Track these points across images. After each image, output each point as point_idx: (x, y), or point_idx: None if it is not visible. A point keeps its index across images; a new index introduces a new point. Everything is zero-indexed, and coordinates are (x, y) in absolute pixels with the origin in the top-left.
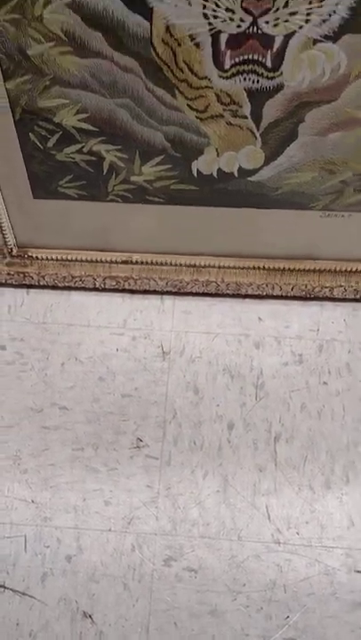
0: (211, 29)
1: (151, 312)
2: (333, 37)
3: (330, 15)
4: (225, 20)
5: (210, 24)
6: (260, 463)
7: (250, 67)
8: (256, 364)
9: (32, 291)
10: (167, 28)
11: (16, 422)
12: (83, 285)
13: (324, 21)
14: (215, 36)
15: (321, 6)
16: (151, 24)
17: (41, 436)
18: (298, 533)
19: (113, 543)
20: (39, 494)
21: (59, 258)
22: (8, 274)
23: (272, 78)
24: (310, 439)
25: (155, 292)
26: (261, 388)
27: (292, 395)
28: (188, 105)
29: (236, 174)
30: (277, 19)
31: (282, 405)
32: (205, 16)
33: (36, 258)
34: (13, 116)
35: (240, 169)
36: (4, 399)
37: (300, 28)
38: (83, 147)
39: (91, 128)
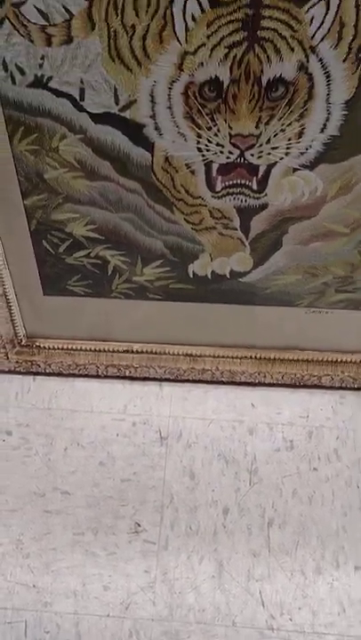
0: (204, 160)
1: (150, 398)
2: (310, 166)
3: (307, 149)
4: (216, 153)
5: (203, 155)
6: (254, 548)
7: (238, 189)
8: (250, 450)
9: (38, 378)
10: (166, 159)
11: (20, 506)
12: (86, 373)
13: (302, 154)
14: (208, 165)
15: (299, 142)
16: (152, 155)
17: (43, 520)
18: (291, 619)
19: (111, 629)
20: (40, 579)
21: (64, 347)
22: (17, 362)
23: (258, 198)
24: (302, 524)
25: (154, 379)
26: (255, 474)
27: (284, 480)
28: (184, 219)
29: (228, 276)
30: (261, 152)
31: (274, 491)
32: (199, 149)
33: (44, 347)
34: (29, 227)
35: (232, 271)
36: (9, 483)
37: (281, 159)
38: (90, 252)
39: (98, 237)
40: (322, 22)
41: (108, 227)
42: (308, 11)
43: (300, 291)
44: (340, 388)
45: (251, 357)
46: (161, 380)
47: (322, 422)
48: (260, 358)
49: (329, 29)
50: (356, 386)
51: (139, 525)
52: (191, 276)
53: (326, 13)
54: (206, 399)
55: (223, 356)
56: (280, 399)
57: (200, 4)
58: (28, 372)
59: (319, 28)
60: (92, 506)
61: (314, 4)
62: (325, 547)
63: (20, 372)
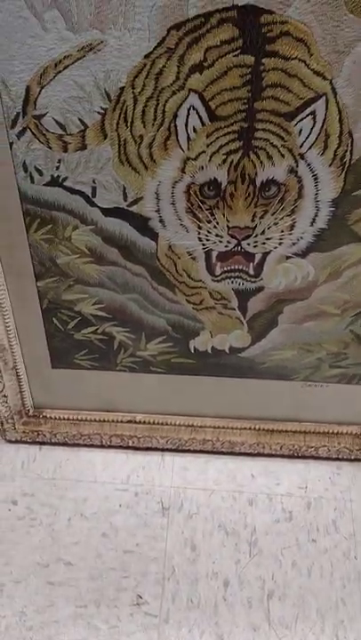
0: (204, 248)
1: (152, 468)
2: (302, 254)
3: (298, 240)
4: (215, 242)
5: (203, 245)
6: (254, 622)
7: (236, 274)
8: (250, 521)
9: (44, 447)
10: (169, 247)
11: (23, 578)
12: (91, 443)
13: (294, 244)
14: (208, 252)
15: (291, 234)
16: (157, 244)
17: (46, 591)
18: None
19: None
20: None
21: (70, 417)
22: (24, 432)
23: (254, 282)
24: (301, 597)
25: (156, 450)
26: (255, 545)
27: (283, 552)
28: (186, 299)
29: (227, 351)
30: (257, 242)
31: (274, 562)
32: (200, 239)
33: (50, 418)
34: (41, 306)
35: (231, 347)
36: (14, 554)
37: (275, 248)
38: (97, 329)
39: (105, 315)
40: (309, 133)
41: (115, 306)
42: (296, 124)
43: (296, 365)
44: (337, 459)
45: (250, 428)
46: (163, 450)
47: (320, 493)
48: (260, 429)
49: (316, 139)
50: (352, 457)
51: (140, 598)
52: (192, 351)
53: (313, 126)
54: (207, 469)
55: (223, 427)
56: (279, 470)
57: (200, 118)
58: (34, 442)
59: (307, 138)
60: (95, 578)
61: (302, 119)
62: (325, 620)
63: (26, 442)
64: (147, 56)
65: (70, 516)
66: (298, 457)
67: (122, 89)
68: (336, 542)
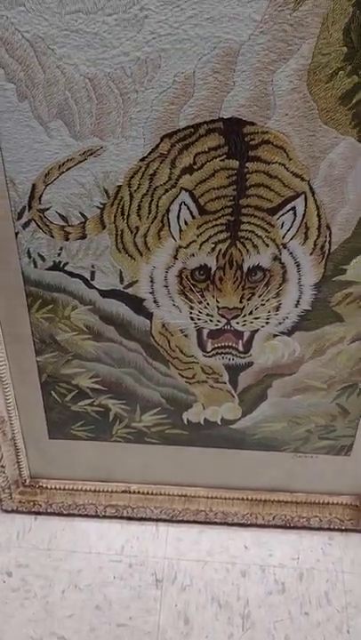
0: (196, 326)
1: (146, 539)
2: (288, 333)
3: (284, 319)
4: (206, 321)
5: (195, 323)
6: None
7: (226, 350)
8: (243, 593)
9: (40, 517)
10: (163, 325)
11: None
12: (86, 513)
13: (280, 323)
14: (199, 330)
15: (277, 314)
16: (151, 322)
17: None
18: None
19: None
20: None
21: (65, 487)
22: (20, 502)
23: (244, 358)
24: None
25: (150, 520)
26: (248, 618)
27: (276, 625)
28: (179, 374)
29: (219, 423)
30: (245, 321)
31: (267, 636)
32: (192, 318)
33: (46, 487)
34: (40, 379)
35: (222, 419)
36: (8, 628)
37: (263, 327)
38: (94, 401)
39: (101, 388)
40: (290, 226)
41: (111, 379)
42: (279, 218)
43: (287, 437)
44: (329, 529)
45: (243, 499)
46: (157, 520)
47: (312, 564)
48: (252, 500)
49: (297, 231)
50: (343, 527)
51: None
52: (185, 422)
53: (294, 220)
54: (200, 540)
55: (217, 497)
56: (272, 540)
57: (191, 213)
58: (30, 512)
59: (289, 230)
60: None
61: (283, 214)
62: None
63: (22, 512)
64: (142, 159)
65: (64, 587)
66: (290, 527)
67: (119, 187)
68: (329, 615)
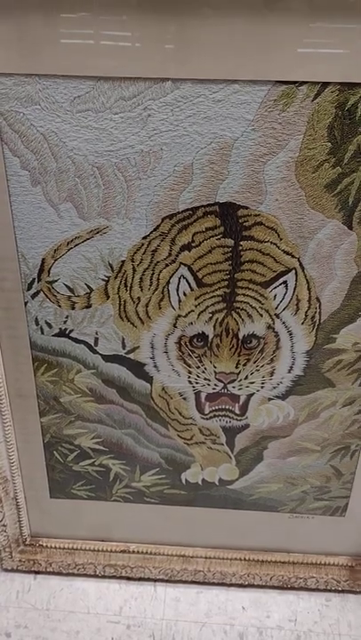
0: (194, 390)
1: (145, 599)
2: (282, 397)
3: (278, 384)
4: (204, 385)
5: (193, 387)
6: None
7: (223, 413)
8: None
9: (39, 576)
10: (163, 388)
11: None
12: (85, 572)
13: (274, 387)
14: (197, 393)
15: (271, 379)
16: (151, 385)
17: None
18: None
19: None
20: None
21: (65, 546)
22: (20, 561)
23: (240, 420)
24: None
25: (149, 580)
26: None
27: None
28: (178, 435)
29: (217, 483)
30: (241, 385)
31: None
32: (190, 382)
33: (46, 546)
34: (43, 440)
35: (220, 479)
36: None
37: (258, 391)
38: (95, 461)
39: (102, 448)
40: (283, 298)
41: (112, 440)
42: (271, 290)
43: (283, 498)
44: (326, 590)
45: (241, 559)
46: (156, 580)
47: (309, 626)
48: (250, 560)
49: (288, 303)
50: (340, 588)
51: None
52: (184, 482)
53: (286, 292)
54: (198, 601)
55: (215, 558)
56: (269, 601)
57: (189, 285)
58: (29, 571)
59: (281, 302)
60: None
61: (276, 287)
62: None
63: (22, 571)
64: (144, 237)
65: None
66: (287, 588)
67: (123, 262)
68: None
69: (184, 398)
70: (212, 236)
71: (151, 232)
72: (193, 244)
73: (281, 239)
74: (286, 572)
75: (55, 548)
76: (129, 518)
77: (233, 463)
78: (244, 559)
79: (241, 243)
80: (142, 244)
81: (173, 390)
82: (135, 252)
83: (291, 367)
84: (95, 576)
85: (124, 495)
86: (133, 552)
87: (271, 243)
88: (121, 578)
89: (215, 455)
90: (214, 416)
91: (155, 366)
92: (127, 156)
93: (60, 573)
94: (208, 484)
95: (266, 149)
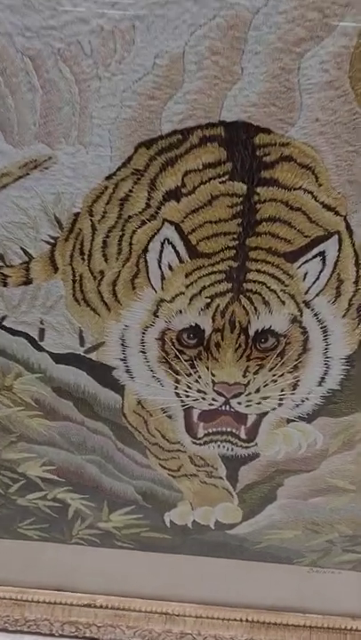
0: (183, 405)
1: None
2: (308, 419)
3: (303, 401)
4: (197, 399)
5: (182, 401)
6: None
7: (223, 437)
8: None
9: None
10: (139, 402)
11: None
12: (38, 630)
13: (297, 405)
14: (188, 411)
15: (293, 394)
16: (123, 398)
17: None
18: None
19: None
20: None
21: (13, 597)
22: None
23: (247, 448)
24: None
25: None
26: None
27: None
28: (160, 464)
29: (213, 527)
30: (250, 401)
31: None
32: (177, 394)
33: None
34: None
35: (217, 523)
36: None
37: (274, 409)
38: (47, 494)
39: (56, 478)
40: (317, 278)
41: (70, 468)
42: (300, 266)
43: (300, 548)
44: None
45: (241, 620)
46: None
47: None
48: (253, 622)
49: (325, 285)
50: None
51: None
52: (168, 525)
53: (322, 270)
54: None
55: (207, 617)
56: None
57: (178, 254)
58: None
59: (314, 283)
60: None
61: (307, 261)
62: None
63: None
64: (108, 178)
65: None
66: None
67: (77, 215)
68: None
69: (169, 416)
70: (214, 178)
71: (119, 169)
72: (183, 190)
73: (320, 185)
74: (300, 638)
75: (0, 598)
76: (95, 565)
77: (235, 503)
78: (246, 620)
79: (258, 190)
80: (105, 189)
81: (154, 405)
82: (95, 201)
83: (322, 378)
84: (51, 635)
85: (88, 538)
86: (101, 607)
87: (305, 190)
88: (84, 639)
89: (211, 492)
90: (211, 441)
91: (127, 371)
92: (78, 38)
93: (4, 630)
94: (200, 527)
95: (304, 31)
